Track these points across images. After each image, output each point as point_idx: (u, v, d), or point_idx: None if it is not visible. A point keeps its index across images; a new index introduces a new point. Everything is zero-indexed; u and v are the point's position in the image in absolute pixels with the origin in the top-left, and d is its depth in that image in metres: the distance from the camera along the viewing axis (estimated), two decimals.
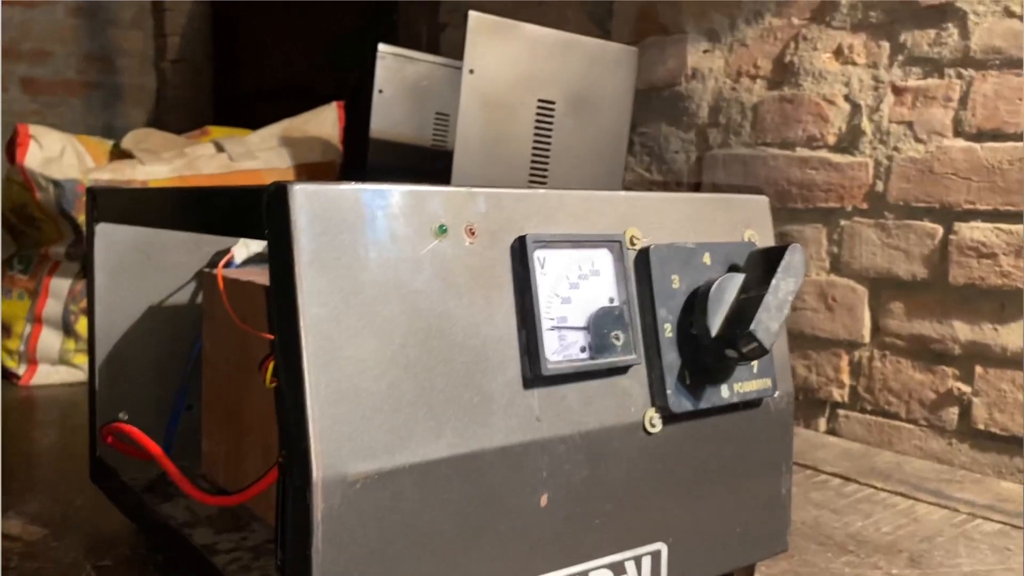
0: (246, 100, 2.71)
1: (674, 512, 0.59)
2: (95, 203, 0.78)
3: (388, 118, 1.49)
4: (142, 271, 0.81)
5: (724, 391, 0.60)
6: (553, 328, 0.53)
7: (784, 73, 1.21)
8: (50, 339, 1.30)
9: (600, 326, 0.55)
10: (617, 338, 0.55)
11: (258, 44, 2.63)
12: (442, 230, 0.50)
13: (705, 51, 1.31)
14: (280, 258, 0.46)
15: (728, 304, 0.59)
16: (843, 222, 1.15)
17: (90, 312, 0.79)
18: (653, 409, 0.58)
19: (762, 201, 0.67)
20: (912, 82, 1.08)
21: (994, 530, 0.80)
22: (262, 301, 0.70)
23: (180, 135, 1.55)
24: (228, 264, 0.79)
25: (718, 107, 1.29)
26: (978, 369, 1.03)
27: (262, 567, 0.62)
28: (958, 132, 1.04)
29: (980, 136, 1.02)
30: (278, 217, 0.45)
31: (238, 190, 0.49)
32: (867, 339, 1.14)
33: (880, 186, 1.11)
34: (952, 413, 1.06)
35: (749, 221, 0.66)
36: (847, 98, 1.14)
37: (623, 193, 0.59)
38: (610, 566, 0.56)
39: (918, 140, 1.07)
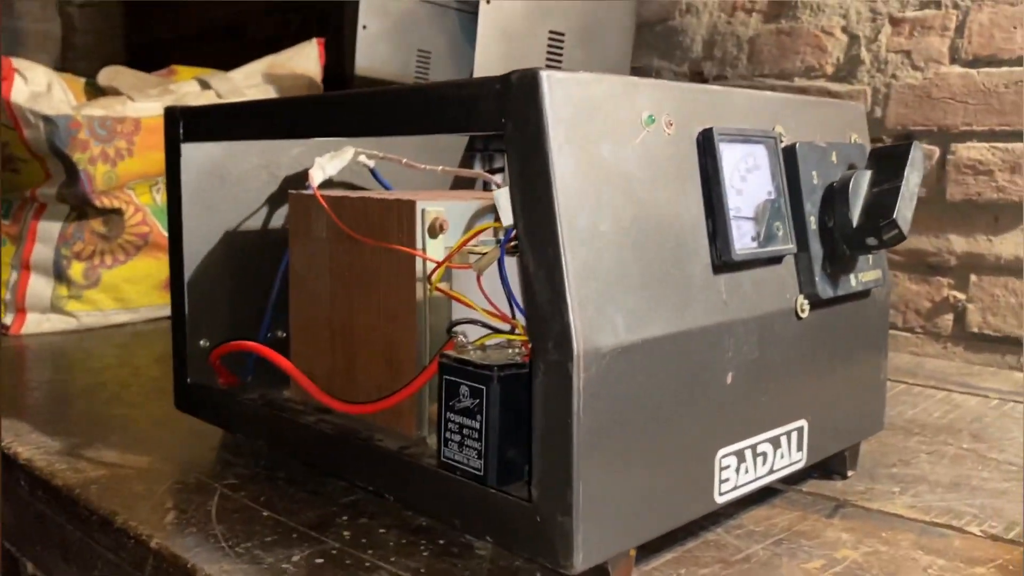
0: (163, 46, 2.58)
1: (813, 392, 0.64)
2: (179, 123, 0.76)
3: (372, 54, 1.47)
4: (218, 197, 0.79)
5: (852, 280, 0.65)
6: (733, 218, 0.56)
7: (781, 7, 1.27)
8: (40, 286, 1.24)
9: (766, 217, 0.58)
10: (778, 229, 0.59)
11: None
12: (650, 120, 0.52)
13: None
14: (528, 144, 0.47)
15: (863, 197, 0.63)
16: None
17: (174, 237, 0.77)
18: (802, 296, 0.62)
19: (860, 108, 0.72)
20: (910, 13, 1.16)
21: None
22: (371, 216, 0.70)
23: (148, 74, 1.48)
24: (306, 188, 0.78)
25: (713, 41, 1.34)
26: (972, 278, 1.13)
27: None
28: (954, 59, 1.12)
29: (976, 62, 1.11)
30: (527, 103, 0.47)
31: (467, 81, 0.50)
32: None
33: (878, 112, 1.19)
34: (947, 320, 1.16)
35: (852, 125, 0.71)
36: (844, 30, 1.21)
37: (769, 93, 0.63)
38: (770, 440, 0.61)
39: (915, 68, 1.15)
